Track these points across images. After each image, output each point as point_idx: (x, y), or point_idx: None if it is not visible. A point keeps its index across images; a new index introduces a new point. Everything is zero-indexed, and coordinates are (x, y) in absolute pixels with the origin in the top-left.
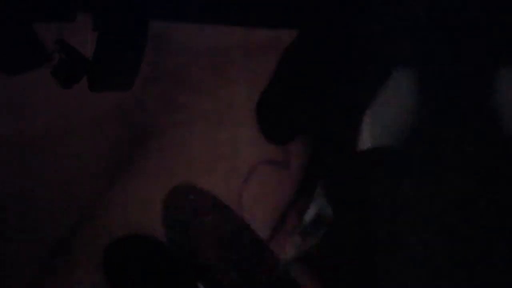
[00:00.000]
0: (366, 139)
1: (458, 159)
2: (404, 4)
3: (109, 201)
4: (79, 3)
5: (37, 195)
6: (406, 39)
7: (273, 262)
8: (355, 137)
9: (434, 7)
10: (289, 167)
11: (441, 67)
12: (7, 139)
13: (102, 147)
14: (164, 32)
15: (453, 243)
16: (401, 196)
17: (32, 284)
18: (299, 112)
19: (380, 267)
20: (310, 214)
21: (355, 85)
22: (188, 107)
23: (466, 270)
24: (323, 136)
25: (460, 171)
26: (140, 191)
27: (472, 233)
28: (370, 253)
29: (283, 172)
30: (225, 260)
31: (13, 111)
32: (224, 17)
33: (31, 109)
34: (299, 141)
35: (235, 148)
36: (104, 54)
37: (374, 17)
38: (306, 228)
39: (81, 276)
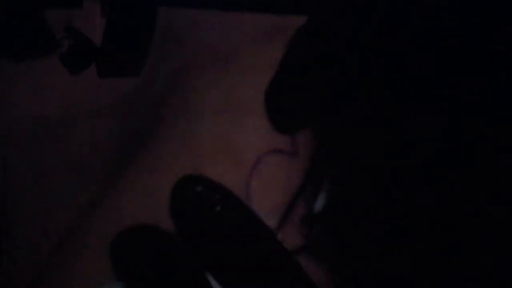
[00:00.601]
0: None
1: None
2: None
3: (117, 190)
4: None
5: (49, 179)
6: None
7: (281, 252)
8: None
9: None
10: (297, 156)
11: None
12: (23, 122)
13: (109, 136)
14: (171, 20)
15: None
16: None
17: (38, 270)
18: (307, 101)
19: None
20: (319, 203)
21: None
22: (196, 96)
23: None
24: (331, 124)
25: None
26: (147, 181)
27: None
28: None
29: (291, 161)
30: (233, 251)
31: (26, 97)
32: (232, 2)
33: (43, 96)
34: (307, 130)
35: (243, 138)
36: (112, 40)
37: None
38: (314, 217)
39: (87, 263)
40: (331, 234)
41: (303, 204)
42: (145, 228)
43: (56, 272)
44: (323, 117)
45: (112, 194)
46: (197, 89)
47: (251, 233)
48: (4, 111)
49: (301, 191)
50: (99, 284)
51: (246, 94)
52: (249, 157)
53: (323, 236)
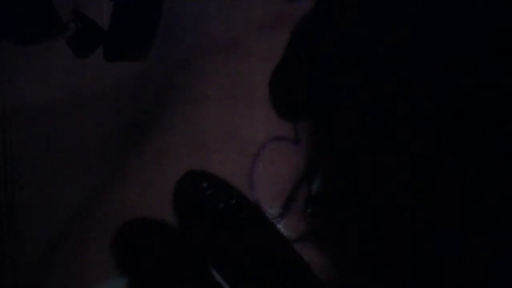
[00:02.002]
0: None
1: None
2: None
3: (121, 181)
4: None
5: (52, 166)
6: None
7: (285, 242)
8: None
9: None
10: (300, 144)
11: None
12: (30, 106)
13: (113, 123)
14: (178, 5)
15: None
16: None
17: (43, 260)
18: (311, 88)
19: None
20: (316, 186)
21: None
22: (201, 83)
23: None
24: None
25: None
26: (151, 171)
27: None
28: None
29: (294, 148)
30: (236, 247)
31: (32, 80)
32: None
33: (49, 79)
34: (310, 117)
35: (247, 125)
36: (119, 25)
37: None
38: (315, 202)
39: (91, 256)
40: (332, 220)
41: (305, 191)
42: (150, 222)
43: (60, 265)
44: (325, 104)
45: (116, 185)
46: (202, 76)
47: (254, 230)
48: (9, 94)
49: (303, 178)
50: (103, 277)
51: (251, 82)
52: (253, 144)
53: (325, 223)
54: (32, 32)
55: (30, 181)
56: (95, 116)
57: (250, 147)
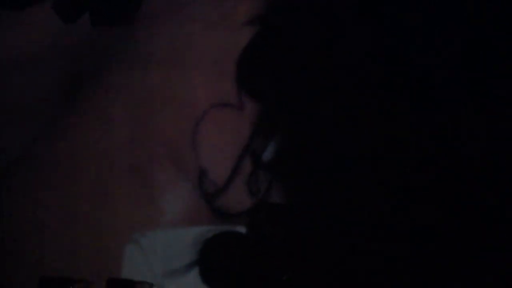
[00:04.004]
0: None
1: None
2: None
3: (63, 136)
4: None
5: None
6: None
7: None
8: None
9: None
10: (244, 109)
11: None
12: None
13: (57, 81)
14: None
15: None
16: None
17: None
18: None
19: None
20: (267, 156)
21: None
22: (143, 45)
23: None
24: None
25: None
26: (94, 129)
27: None
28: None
29: (238, 114)
30: None
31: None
32: None
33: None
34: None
35: (188, 89)
36: None
37: None
38: (263, 173)
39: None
40: (282, 191)
41: (251, 159)
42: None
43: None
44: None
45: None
46: (144, 38)
47: None
48: None
49: (249, 145)
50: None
51: (193, 46)
52: (196, 109)
53: (272, 193)
54: None
55: None
56: (37, 75)
57: (193, 113)
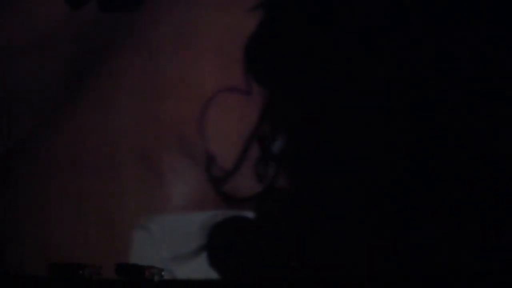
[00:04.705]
0: None
1: None
2: None
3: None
4: None
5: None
6: None
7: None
8: None
9: None
10: (251, 94)
11: None
12: None
13: (66, 67)
14: None
15: None
16: None
17: None
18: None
19: None
20: (277, 145)
21: None
22: (148, 31)
23: None
24: None
25: None
26: (103, 112)
27: None
28: None
29: (245, 99)
30: None
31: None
32: None
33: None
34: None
35: (195, 73)
36: None
37: None
38: (270, 158)
39: None
40: (289, 177)
41: (259, 144)
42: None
43: None
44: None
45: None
46: (149, 24)
47: None
48: None
49: (256, 129)
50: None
51: (199, 31)
52: (203, 93)
53: (279, 178)
54: None
55: None
56: (41, 61)
57: (200, 96)
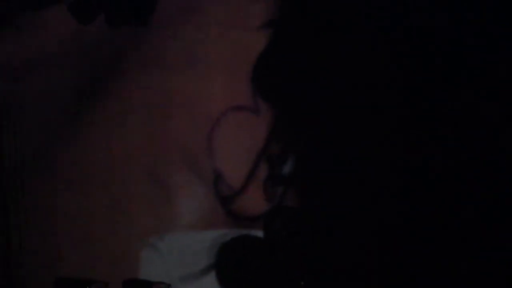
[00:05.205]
0: None
1: None
2: None
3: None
4: None
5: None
6: None
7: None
8: None
9: None
10: (259, 113)
11: None
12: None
13: (77, 84)
14: None
15: None
16: None
17: None
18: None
19: None
20: (286, 166)
21: None
22: (158, 49)
23: None
24: None
25: None
26: (113, 130)
27: None
28: None
29: (253, 117)
30: None
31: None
32: None
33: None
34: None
35: (204, 92)
36: None
37: None
38: (279, 179)
39: None
40: (297, 195)
41: (267, 163)
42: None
43: None
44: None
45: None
46: (159, 42)
47: None
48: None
49: (265, 148)
50: None
51: (208, 50)
52: (211, 112)
53: (288, 197)
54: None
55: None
56: (52, 76)
57: (209, 115)
